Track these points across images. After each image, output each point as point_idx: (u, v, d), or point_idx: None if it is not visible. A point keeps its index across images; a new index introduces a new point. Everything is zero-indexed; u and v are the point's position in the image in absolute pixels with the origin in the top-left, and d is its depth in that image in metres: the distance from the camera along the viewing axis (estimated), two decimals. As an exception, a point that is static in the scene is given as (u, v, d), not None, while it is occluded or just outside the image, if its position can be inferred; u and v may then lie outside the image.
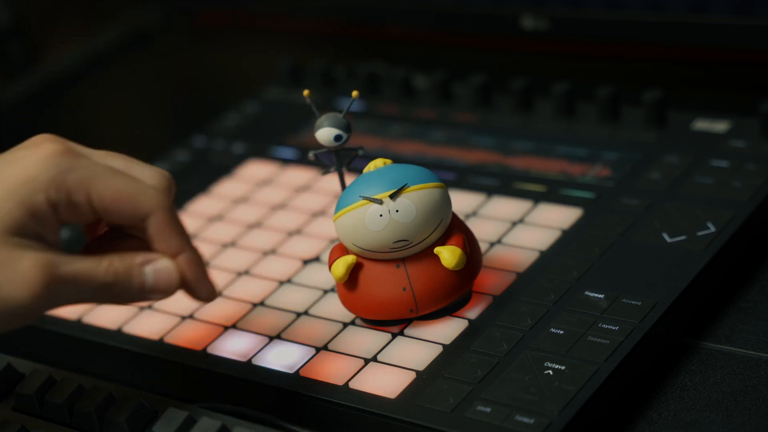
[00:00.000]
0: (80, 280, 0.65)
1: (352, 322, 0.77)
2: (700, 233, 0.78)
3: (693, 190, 0.82)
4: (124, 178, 0.67)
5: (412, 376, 0.72)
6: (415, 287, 0.73)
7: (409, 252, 0.73)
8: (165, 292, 0.68)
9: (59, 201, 0.66)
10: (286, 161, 0.97)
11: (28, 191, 0.65)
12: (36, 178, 0.65)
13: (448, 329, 0.74)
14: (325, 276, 0.80)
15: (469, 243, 0.75)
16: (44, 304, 0.65)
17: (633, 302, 0.73)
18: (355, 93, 0.75)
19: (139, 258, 0.67)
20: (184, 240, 0.68)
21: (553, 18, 1.01)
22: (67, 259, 0.65)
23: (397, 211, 0.72)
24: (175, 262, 0.68)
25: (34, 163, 0.66)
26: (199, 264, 0.69)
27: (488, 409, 0.68)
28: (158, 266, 0.67)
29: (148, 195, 0.67)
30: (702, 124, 0.89)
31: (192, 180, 0.97)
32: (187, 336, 0.79)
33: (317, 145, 0.76)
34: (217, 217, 0.91)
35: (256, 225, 0.89)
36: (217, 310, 0.81)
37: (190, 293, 0.69)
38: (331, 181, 0.88)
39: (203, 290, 0.69)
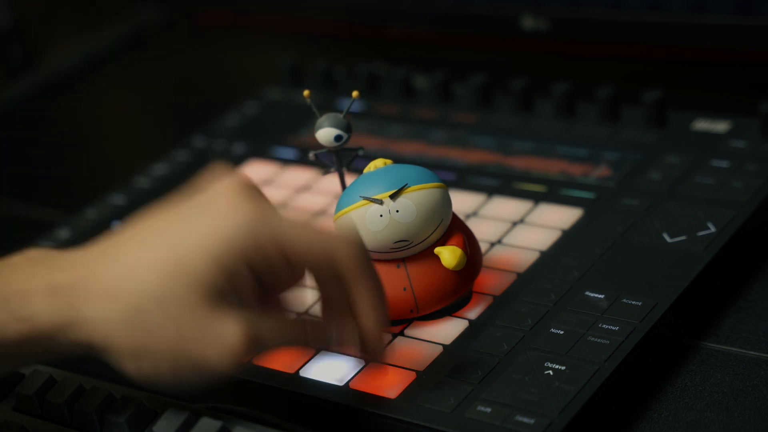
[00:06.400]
0: (276, 345, 0.66)
1: (353, 322, 0.77)
2: (701, 233, 0.78)
3: (693, 190, 0.82)
4: (311, 229, 0.65)
5: (412, 376, 0.72)
6: (415, 287, 0.73)
7: (409, 252, 0.73)
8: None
9: (256, 261, 0.64)
10: (286, 161, 0.97)
11: (226, 254, 0.63)
12: (232, 239, 0.63)
13: (449, 329, 0.74)
14: (326, 276, 0.80)
15: (470, 243, 0.75)
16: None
17: (633, 302, 0.73)
18: (355, 93, 0.75)
19: (333, 330, 0.67)
20: (371, 302, 0.66)
21: (553, 18, 1.01)
22: (267, 326, 0.64)
23: (397, 211, 0.72)
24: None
25: (224, 216, 0.64)
26: (377, 329, 0.67)
27: (488, 410, 0.68)
28: (345, 331, 0.67)
29: (340, 244, 0.65)
30: (702, 124, 0.89)
31: (192, 180, 0.97)
32: (187, 336, 0.79)
33: (317, 145, 0.76)
34: (217, 217, 0.91)
35: (256, 225, 0.89)
36: (217, 310, 0.81)
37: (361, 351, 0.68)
38: (331, 181, 0.87)
39: (372, 353, 0.68)
